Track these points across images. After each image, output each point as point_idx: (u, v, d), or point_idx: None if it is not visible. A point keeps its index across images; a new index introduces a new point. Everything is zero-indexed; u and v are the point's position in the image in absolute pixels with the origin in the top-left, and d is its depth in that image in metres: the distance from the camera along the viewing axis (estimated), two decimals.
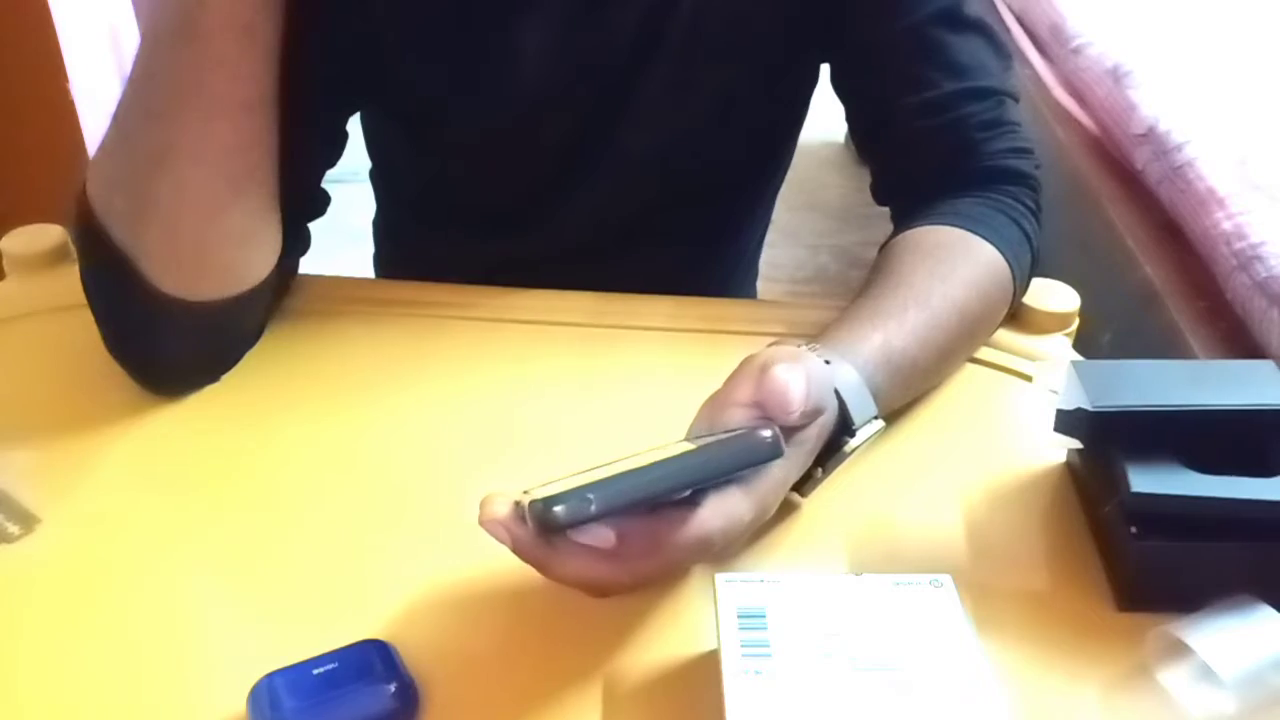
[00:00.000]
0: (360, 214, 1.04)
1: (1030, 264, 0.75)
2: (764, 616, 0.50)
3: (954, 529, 0.62)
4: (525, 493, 0.50)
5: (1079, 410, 0.59)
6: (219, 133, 0.64)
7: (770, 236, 1.04)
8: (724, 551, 0.54)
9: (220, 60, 0.62)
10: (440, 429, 0.68)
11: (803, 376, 0.53)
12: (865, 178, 0.83)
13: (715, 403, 0.55)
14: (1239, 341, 1.03)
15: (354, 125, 0.93)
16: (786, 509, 0.61)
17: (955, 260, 0.70)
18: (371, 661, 0.51)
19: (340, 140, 0.79)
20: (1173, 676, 0.52)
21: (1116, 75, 1.40)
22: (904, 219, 0.76)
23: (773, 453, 0.50)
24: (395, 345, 0.76)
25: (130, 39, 1.95)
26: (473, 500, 0.62)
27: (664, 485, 0.49)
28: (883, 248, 0.74)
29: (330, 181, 0.78)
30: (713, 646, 0.50)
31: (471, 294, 0.80)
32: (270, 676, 0.50)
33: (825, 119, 0.94)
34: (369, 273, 1.04)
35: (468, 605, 0.57)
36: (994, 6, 1.79)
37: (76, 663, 0.54)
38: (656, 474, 0.48)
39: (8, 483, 0.63)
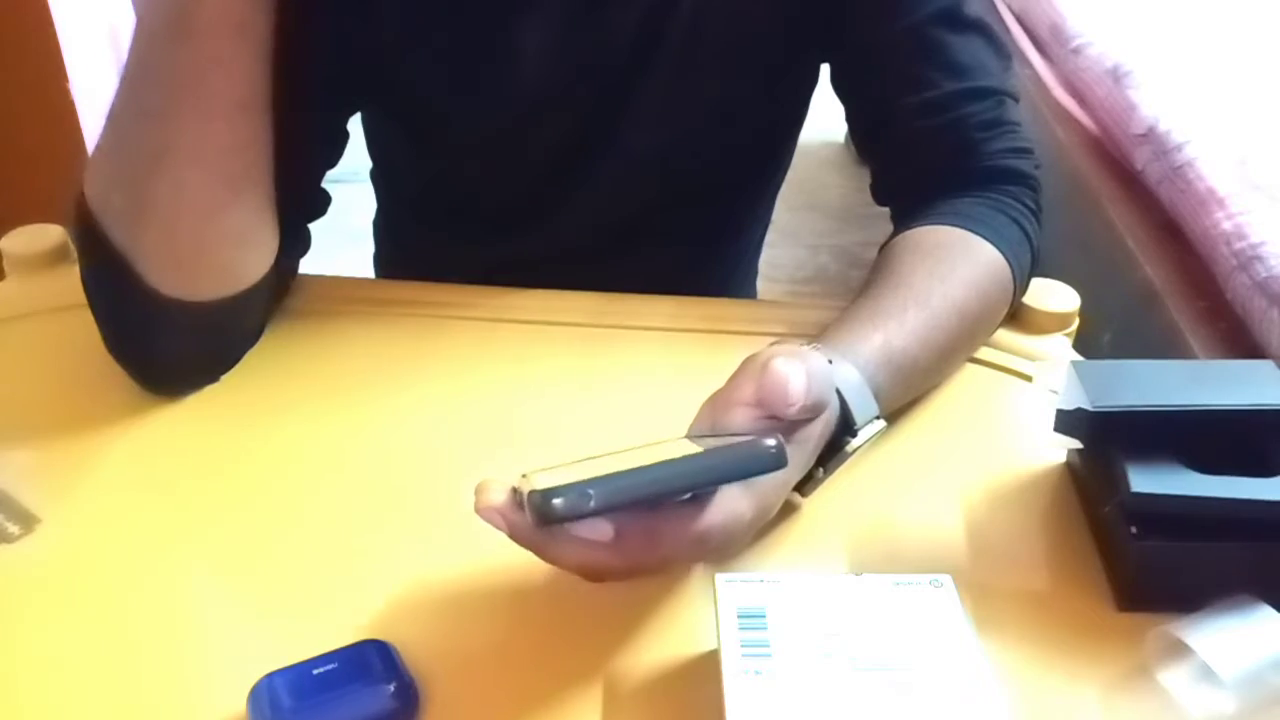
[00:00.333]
0: (360, 214, 1.04)
1: (1030, 264, 0.75)
2: (764, 616, 0.50)
3: (954, 529, 0.62)
4: (524, 476, 0.50)
5: (1079, 410, 0.59)
6: (214, 132, 0.64)
7: (770, 236, 1.04)
8: (725, 550, 0.54)
9: (215, 59, 0.62)
10: (440, 429, 0.68)
11: (802, 370, 0.53)
12: (865, 178, 0.83)
13: (717, 402, 0.55)
14: (1239, 341, 1.03)
15: (354, 125, 0.93)
16: (786, 509, 0.61)
17: (955, 260, 0.70)
18: (371, 661, 0.51)
19: (340, 140, 0.79)
20: (1173, 676, 0.52)
21: (1116, 75, 1.40)
22: (904, 219, 0.76)
23: (775, 463, 0.49)
24: (395, 345, 0.76)
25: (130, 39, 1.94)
26: (473, 500, 0.62)
27: (664, 487, 0.49)
28: (883, 248, 0.74)
29: (330, 181, 0.78)
30: (713, 646, 0.50)
31: (471, 294, 0.80)
32: (270, 676, 0.49)
33: (825, 119, 0.94)
34: (369, 273, 1.04)
35: (468, 605, 0.57)
36: (994, 6, 1.79)
37: (76, 663, 0.54)
38: (657, 475, 0.48)
39: (8, 483, 0.63)
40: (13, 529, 0.60)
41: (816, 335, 0.63)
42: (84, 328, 0.69)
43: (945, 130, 0.75)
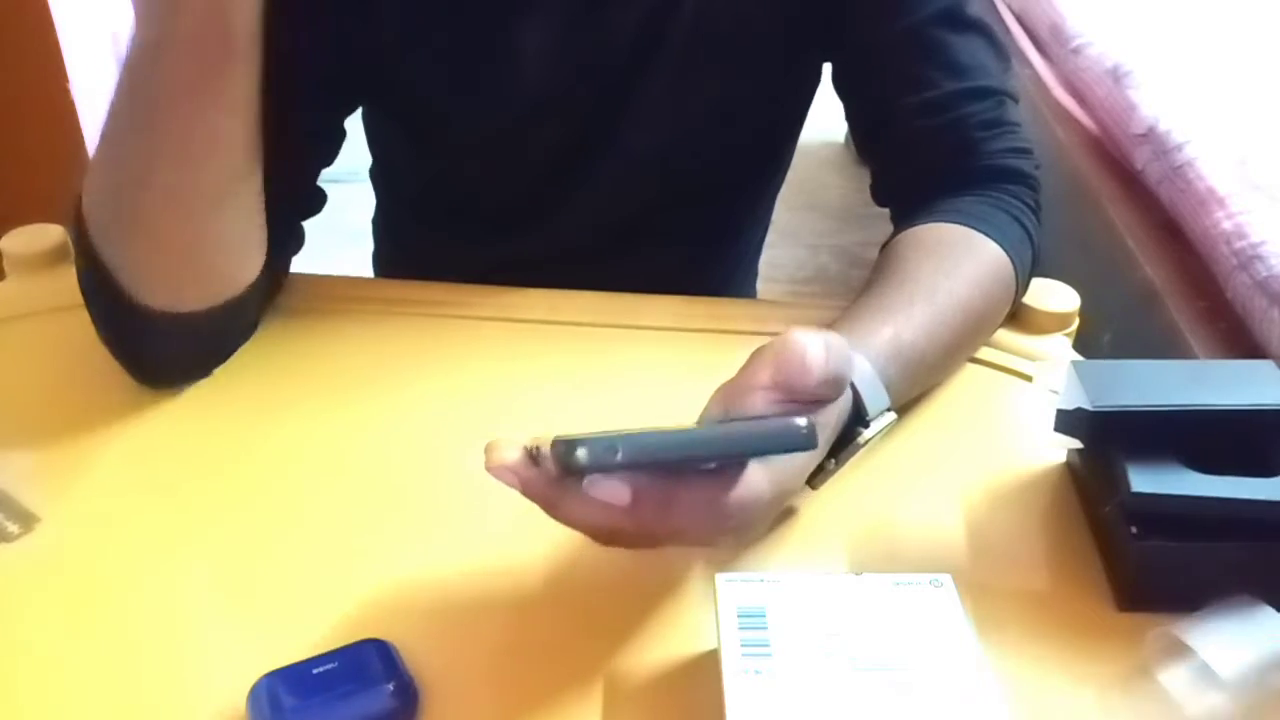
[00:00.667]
0: (360, 213, 1.04)
1: (1031, 262, 0.75)
2: (764, 616, 0.50)
3: (954, 529, 0.62)
4: (535, 440, 0.49)
5: (1079, 410, 0.59)
6: (201, 138, 0.63)
7: (770, 236, 1.04)
8: (740, 530, 0.53)
9: (199, 66, 0.62)
10: (441, 428, 0.68)
11: (821, 343, 0.51)
12: (865, 178, 0.83)
13: (729, 390, 0.54)
14: (1239, 341, 1.03)
15: (354, 124, 0.94)
16: (786, 509, 0.61)
17: (959, 257, 0.70)
18: (371, 661, 0.51)
19: (337, 138, 0.79)
20: (1173, 676, 0.52)
21: (1116, 75, 1.40)
22: (905, 219, 0.76)
23: (807, 443, 0.48)
24: (395, 344, 0.76)
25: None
26: (474, 500, 0.62)
27: (692, 451, 0.48)
28: (885, 246, 0.74)
29: (330, 181, 0.78)
30: (713, 646, 0.50)
31: (471, 293, 0.80)
32: (270, 676, 0.50)
33: (825, 119, 0.94)
34: (368, 272, 1.04)
35: (468, 605, 0.57)
36: (994, 6, 1.79)
37: (76, 662, 0.54)
38: (686, 438, 0.48)
39: (8, 483, 0.63)
40: (13, 529, 0.60)
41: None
42: (84, 328, 0.69)
43: (946, 130, 0.75)
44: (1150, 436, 0.56)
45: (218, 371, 0.72)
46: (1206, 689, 0.51)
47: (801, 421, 0.48)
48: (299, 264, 0.78)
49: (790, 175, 0.97)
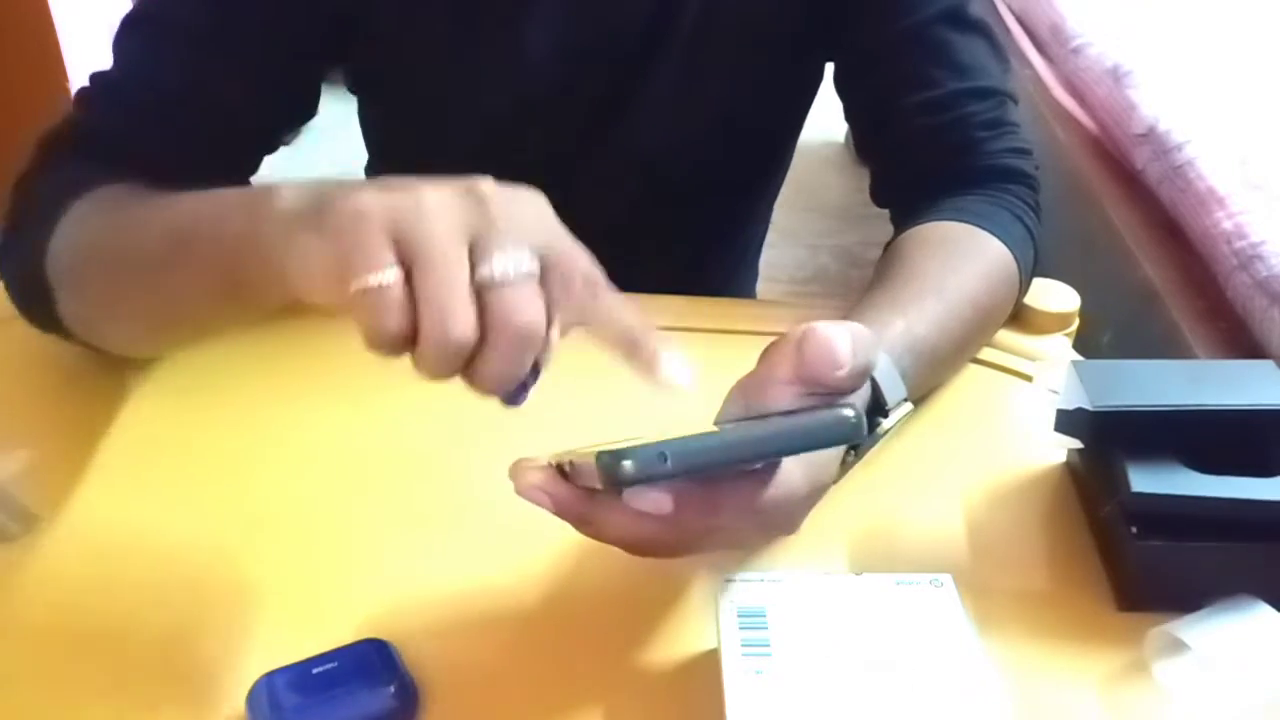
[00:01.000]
0: None
1: (1033, 260, 0.76)
2: (764, 616, 0.50)
3: (954, 529, 0.62)
4: (557, 456, 0.48)
5: (1079, 410, 0.59)
6: (195, 314, 0.61)
7: (770, 236, 1.04)
8: (780, 527, 0.52)
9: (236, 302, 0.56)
10: (441, 428, 0.68)
11: (847, 334, 0.50)
12: (865, 178, 0.83)
13: (751, 384, 0.52)
14: (1239, 341, 1.03)
15: (353, 125, 0.94)
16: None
17: (965, 254, 0.70)
18: (371, 661, 0.51)
19: (311, 100, 0.80)
20: (1172, 676, 0.52)
21: (1116, 75, 1.40)
22: (906, 219, 0.76)
23: (856, 432, 0.46)
24: None
25: None
26: (474, 499, 0.62)
27: (741, 452, 0.46)
28: (888, 245, 0.74)
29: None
30: (713, 646, 0.50)
31: None
32: (270, 676, 0.50)
33: (825, 119, 0.94)
34: None
35: (467, 605, 0.57)
36: (994, 6, 1.79)
37: (76, 662, 0.54)
38: (733, 440, 0.46)
39: (8, 482, 0.63)
40: (13, 528, 0.60)
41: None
42: None
43: (947, 129, 0.75)
44: (1150, 436, 0.56)
45: (218, 371, 0.72)
46: (1206, 688, 0.51)
47: (849, 411, 0.47)
48: None
49: (790, 175, 0.97)
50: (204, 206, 0.56)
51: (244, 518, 0.62)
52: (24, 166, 0.72)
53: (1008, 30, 1.74)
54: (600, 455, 0.44)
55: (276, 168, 0.84)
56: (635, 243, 0.89)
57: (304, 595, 0.57)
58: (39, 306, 0.67)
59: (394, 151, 0.94)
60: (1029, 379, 0.73)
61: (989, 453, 0.67)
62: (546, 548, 0.59)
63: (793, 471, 0.50)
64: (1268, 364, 0.61)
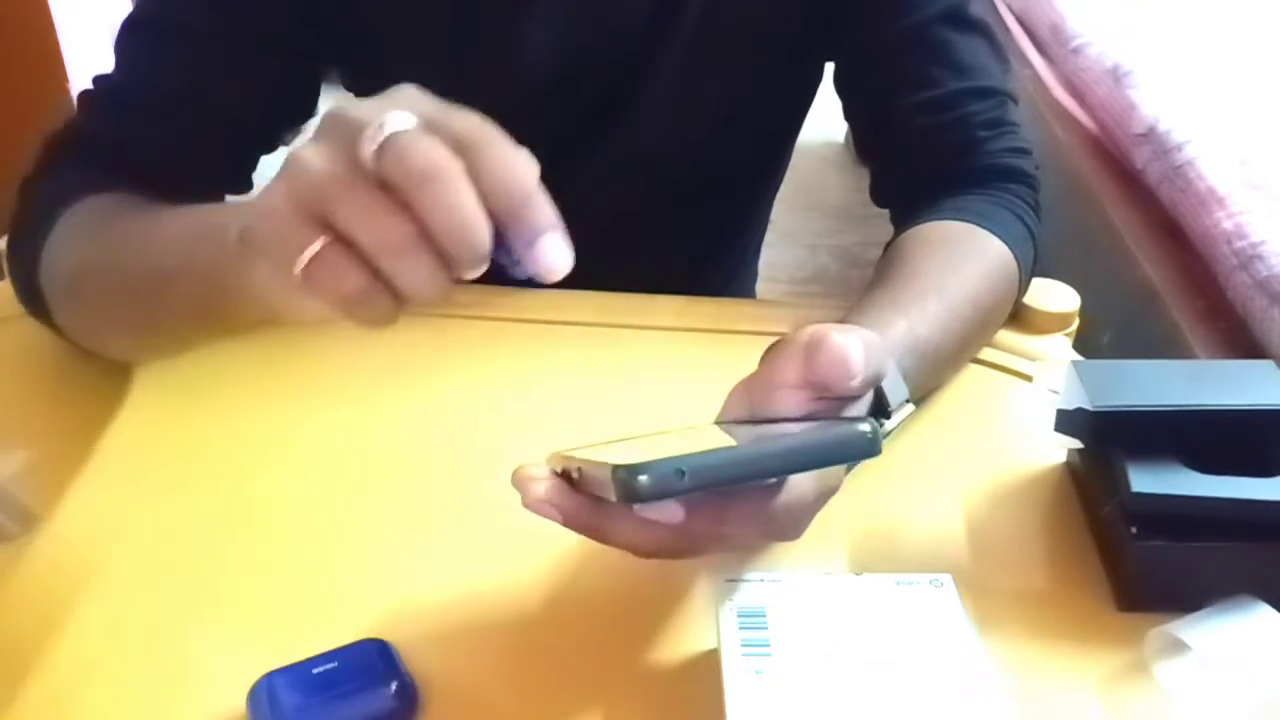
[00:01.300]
0: None
1: (1034, 260, 0.76)
2: (764, 616, 0.50)
3: (954, 529, 0.62)
4: (562, 460, 0.48)
5: (1079, 410, 0.59)
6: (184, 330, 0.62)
7: (770, 236, 1.04)
8: (789, 532, 0.52)
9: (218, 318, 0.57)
10: (442, 428, 0.68)
11: (860, 342, 0.50)
12: (865, 178, 0.83)
13: (753, 387, 0.52)
14: (1239, 341, 1.03)
15: None
16: None
17: (966, 253, 0.70)
18: (371, 661, 0.51)
19: (310, 101, 0.80)
20: (1172, 676, 0.52)
21: (1116, 75, 1.40)
22: (907, 218, 0.76)
23: (873, 448, 0.46)
24: (398, 345, 0.76)
25: None
26: (474, 500, 0.62)
27: (758, 469, 0.45)
28: (889, 245, 0.74)
29: None
30: (713, 646, 0.50)
31: (475, 293, 0.80)
32: (270, 676, 0.50)
33: (825, 119, 0.94)
34: None
35: (468, 605, 0.57)
36: (994, 7, 1.79)
37: (76, 662, 0.54)
38: (750, 456, 0.45)
39: (8, 482, 0.63)
40: (13, 528, 0.60)
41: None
42: None
43: (948, 128, 0.76)
44: (1150, 436, 0.56)
45: (218, 371, 0.72)
46: (1206, 689, 0.51)
47: (865, 427, 0.46)
48: None
49: (790, 175, 0.97)
50: (176, 239, 0.57)
51: (244, 518, 0.62)
52: (28, 168, 0.73)
53: (1008, 30, 1.74)
54: (616, 470, 0.43)
55: (277, 168, 0.84)
56: (635, 242, 0.89)
57: (304, 595, 0.57)
58: (40, 312, 0.69)
59: None
60: (1029, 379, 0.73)
61: (989, 453, 0.67)
62: (547, 548, 0.59)
63: (803, 482, 0.49)
64: (1268, 364, 0.61)
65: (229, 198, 0.78)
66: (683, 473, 0.43)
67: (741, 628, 0.49)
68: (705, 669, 0.52)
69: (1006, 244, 0.72)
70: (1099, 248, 1.26)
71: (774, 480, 0.48)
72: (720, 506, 0.47)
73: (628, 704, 0.52)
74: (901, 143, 0.78)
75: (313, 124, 0.47)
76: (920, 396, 0.66)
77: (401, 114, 0.41)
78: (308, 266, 0.41)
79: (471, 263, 0.41)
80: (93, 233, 0.65)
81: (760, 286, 1.09)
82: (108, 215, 0.66)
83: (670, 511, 0.46)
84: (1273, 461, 0.56)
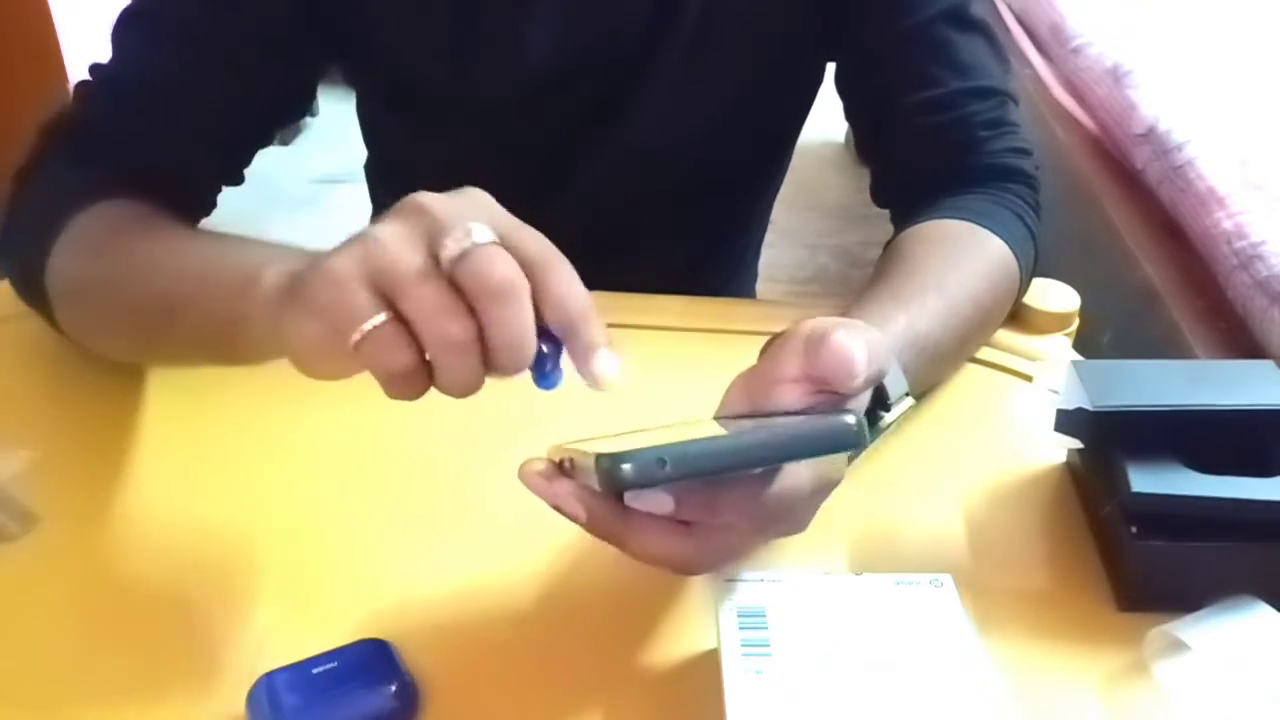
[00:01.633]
0: (359, 214, 1.04)
1: (1034, 259, 0.76)
2: (764, 616, 0.50)
3: (954, 529, 0.62)
4: (558, 447, 0.48)
5: (1079, 410, 0.59)
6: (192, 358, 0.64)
7: (770, 236, 1.04)
8: (788, 523, 0.52)
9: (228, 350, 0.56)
10: (442, 428, 0.68)
11: (863, 341, 0.50)
12: (865, 178, 0.83)
13: (755, 379, 0.52)
14: (1239, 341, 1.03)
15: (352, 126, 0.94)
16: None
17: (966, 251, 0.70)
18: (371, 661, 0.51)
19: (306, 98, 0.81)
20: (1172, 676, 0.52)
21: (1116, 75, 1.40)
22: (906, 218, 0.76)
23: (856, 440, 0.47)
24: None
25: None
26: (474, 500, 0.62)
27: (742, 459, 0.46)
28: (889, 243, 0.74)
29: (330, 181, 0.79)
30: (713, 646, 0.50)
31: None
32: (270, 675, 0.50)
33: (825, 119, 0.94)
34: None
35: (468, 605, 0.57)
36: (994, 6, 1.79)
37: (76, 662, 0.54)
38: (733, 445, 0.46)
39: (8, 482, 0.63)
40: (13, 528, 0.60)
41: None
42: None
43: (949, 127, 0.76)
44: (1150, 436, 0.56)
45: (219, 371, 0.72)
46: (1206, 688, 0.51)
47: (850, 419, 0.47)
48: None
49: (790, 175, 0.97)
50: (196, 268, 0.58)
51: (244, 517, 0.62)
52: (24, 158, 0.73)
53: (1008, 30, 1.74)
54: (599, 458, 0.44)
55: (277, 168, 0.84)
56: (635, 242, 0.89)
57: (304, 595, 0.57)
58: (39, 307, 0.69)
59: (392, 149, 0.94)
60: (1029, 379, 0.73)
61: (989, 453, 0.67)
62: (546, 548, 0.59)
63: (798, 471, 0.49)
64: (1268, 364, 0.61)
65: (225, 199, 0.78)
66: (664, 462, 0.43)
67: (741, 628, 0.49)
68: (705, 669, 0.52)
69: (1007, 243, 0.72)
70: (1099, 248, 1.26)
71: (760, 470, 0.48)
72: (710, 497, 0.47)
73: (628, 704, 0.52)
74: (902, 142, 0.78)
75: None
76: (919, 392, 0.65)
77: (484, 228, 0.44)
78: (364, 337, 0.43)
79: (511, 373, 0.45)
80: (104, 246, 0.65)
81: (760, 286, 1.09)
82: (120, 228, 0.66)
83: (660, 502, 0.46)
84: (1273, 461, 0.56)
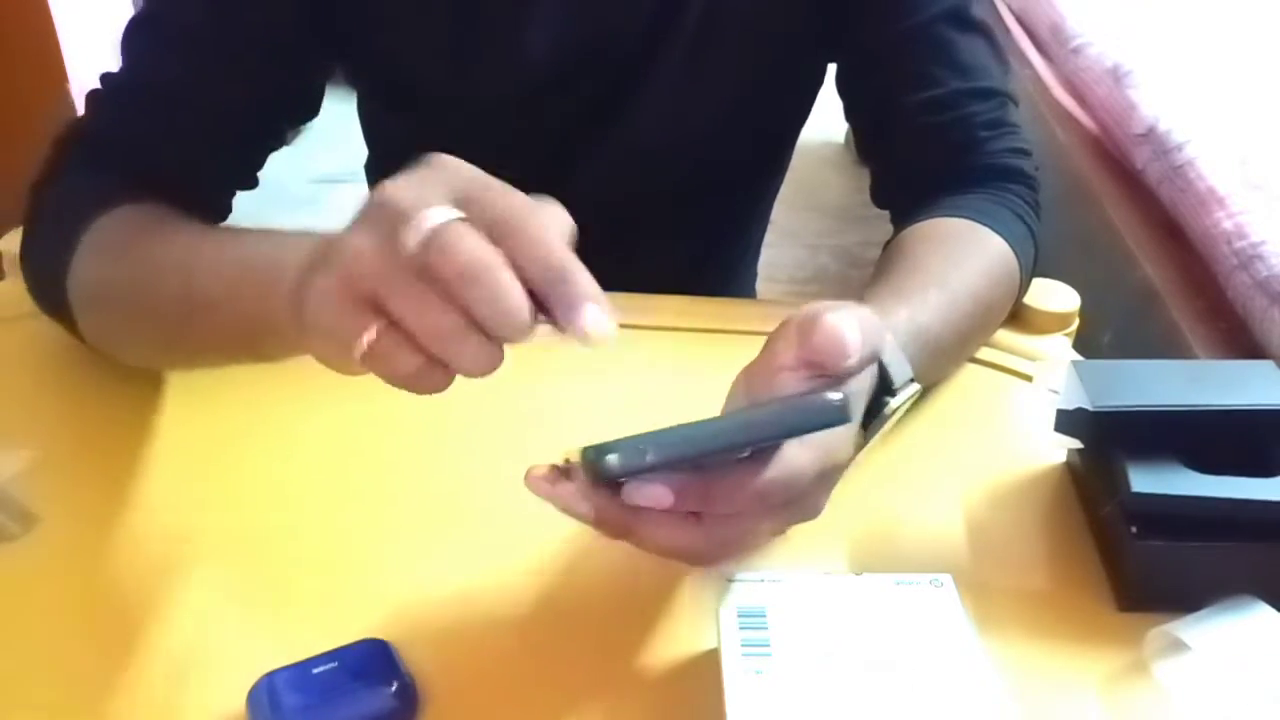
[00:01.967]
0: None
1: (1034, 259, 0.76)
2: (764, 616, 0.50)
3: (954, 529, 0.62)
4: (566, 454, 0.48)
5: (1079, 410, 0.59)
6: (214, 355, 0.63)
7: (770, 236, 1.04)
8: (795, 509, 0.51)
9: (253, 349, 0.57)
10: (442, 428, 0.68)
11: (855, 320, 0.50)
12: (865, 178, 0.83)
13: (755, 372, 0.52)
14: (1239, 341, 1.03)
15: (352, 126, 0.94)
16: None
17: (967, 249, 0.71)
18: (371, 661, 0.51)
19: (313, 99, 0.81)
20: (1172, 676, 0.52)
21: (1116, 75, 1.40)
22: (907, 217, 0.76)
23: (840, 417, 0.46)
24: None
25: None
26: (474, 499, 0.62)
27: (723, 440, 0.46)
28: (889, 242, 0.74)
29: (330, 181, 0.79)
30: (713, 646, 0.50)
31: None
32: (270, 675, 0.50)
33: (825, 119, 0.94)
34: None
35: (468, 605, 0.57)
36: (994, 6, 1.79)
37: (76, 662, 0.54)
38: (715, 428, 0.46)
39: (8, 482, 0.63)
40: (13, 528, 0.60)
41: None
42: None
43: (950, 127, 0.76)
44: (1150, 436, 0.56)
45: (219, 371, 0.72)
46: (1206, 688, 0.51)
47: (835, 395, 0.46)
48: None
49: (790, 175, 0.97)
50: (223, 266, 0.57)
51: (245, 517, 0.62)
52: (39, 171, 0.73)
53: (1008, 30, 1.74)
54: (585, 451, 0.44)
55: (277, 168, 0.84)
56: (635, 242, 0.89)
57: (304, 595, 0.57)
58: (61, 316, 0.69)
59: (393, 148, 0.94)
60: (1029, 379, 0.73)
61: (989, 453, 0.67)
62: (546, 548, 0.59)
63: (796, 454, 0.49)
64: (1268, 364, 0.61)
65: (241, 193, 0.78)
66: (645, 449, 0.44)
67: (741, 628, 0.49)
68: (705, 669, 0.52)
69: (1007, 242, 0.72)
70: (1099, 248, 1.26)
71: (749, 453, 0.47)
72: (706, 485, 0.47)
73: (628, 704, 0.52)
74: (902, 142, 0.78)
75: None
76: (921, 388, 0.65)
77: (441, 209, 0.43)
78: (368, 351, 0.43)
79: (516, 339, 0.43)
80: (125, 249, 0.65)
81: (760, 286, 1.09)
82: (141, 231, 0.66)
83: (658, 495, 0.46)
84: (1273, 461, 0.56)
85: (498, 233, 0.43)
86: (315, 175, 2.44)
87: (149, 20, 0.74)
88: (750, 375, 0.52)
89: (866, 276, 0.71)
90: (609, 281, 0.84)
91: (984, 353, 0.74)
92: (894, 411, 0.58)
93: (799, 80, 0.86)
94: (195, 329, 0.59)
